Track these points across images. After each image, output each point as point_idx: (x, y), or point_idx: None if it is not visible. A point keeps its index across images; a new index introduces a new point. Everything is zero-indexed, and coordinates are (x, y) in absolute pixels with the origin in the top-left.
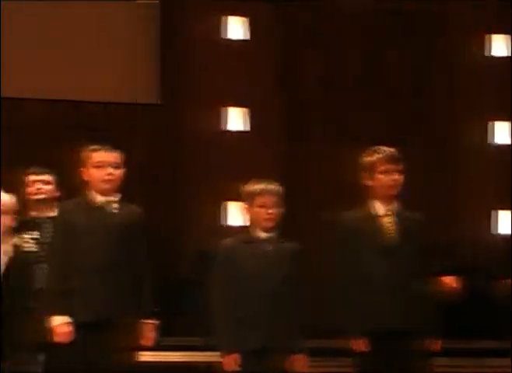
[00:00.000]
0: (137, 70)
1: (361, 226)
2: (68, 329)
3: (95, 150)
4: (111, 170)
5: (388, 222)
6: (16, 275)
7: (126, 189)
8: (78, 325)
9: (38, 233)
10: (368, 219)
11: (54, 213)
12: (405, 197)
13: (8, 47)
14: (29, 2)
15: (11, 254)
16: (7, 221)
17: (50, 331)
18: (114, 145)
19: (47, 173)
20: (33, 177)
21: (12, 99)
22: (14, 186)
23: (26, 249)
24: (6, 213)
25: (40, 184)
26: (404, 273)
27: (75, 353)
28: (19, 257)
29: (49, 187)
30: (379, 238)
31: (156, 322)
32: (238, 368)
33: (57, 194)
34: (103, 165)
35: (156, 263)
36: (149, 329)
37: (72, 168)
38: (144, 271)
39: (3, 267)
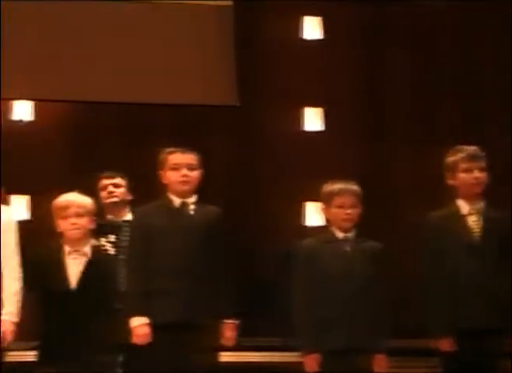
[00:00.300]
0: (214, 72)
1: (446, 225)
2: (147, 330)
3: (171, 152)
4: (187, 172)
5: (473, 221)
6: (97, 276)
7: (205, 190)
8: (157, 327)
9: (114, 237)
10: (453, 218)
11: (128, 216)
12: None
13: (85, 50)
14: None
15: (90, 256)
16: (86, 223)
17: (129, 332)
18: (192, 147)
19: (119, 176)
20: (105, 181)
21: (90, 103)
22: (93, 191)
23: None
24: (85, 215)
25: (112, 187)
26: (489, 271)
27: (155, 354)
28: (99, 258)
29: (121, 190)
30: (464, 237)
31: (237, 322)
32: (319, 369)
33: (130, 197)
34: (179, 167)
35: (237, 263)
36: (229, 329)
37: (151, 171)
38: (224, 272)
39: (84, 269)
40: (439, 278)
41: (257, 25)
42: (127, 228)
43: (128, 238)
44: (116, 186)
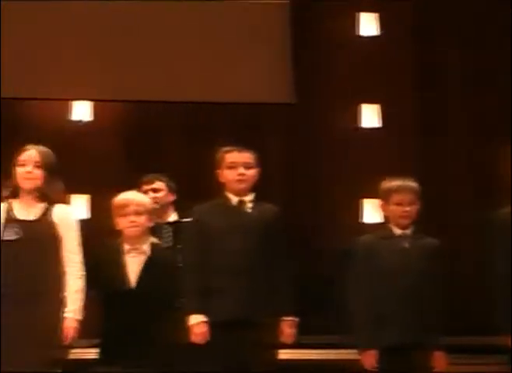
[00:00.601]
0: (271, 70)
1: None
2: (205, 328)
3: (228, 151)
4: (244, 170)
5: None
6: (156, 274)
7: (262, 188)
8: (216, 325)
9: (157, 239)
10: None
11: (172, 217)
12: None
13: (142, 49)
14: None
15: (149, 254)
16: (145, 221)
17: (188, 330)
18: (249, 146)
19: (158, 180)
20: (144, 187)
21: (148, 102)
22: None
23: None
24: (144, 213)
25: (152, 193)
26: None
27: (213, 352)
28: (159, 256)
29: (160, 194)
30: None
31: (295, 319)
32: (376, 365)
33: (172, 198)
34: (235, 166)
35: (294, 261)
36: (288, 326)
37: (209, 169)
38: (282, 269)
39: (143, 267)
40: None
41: (314, 22)
42: (168, 230)
43: (168, 240)
44: (155, 190)
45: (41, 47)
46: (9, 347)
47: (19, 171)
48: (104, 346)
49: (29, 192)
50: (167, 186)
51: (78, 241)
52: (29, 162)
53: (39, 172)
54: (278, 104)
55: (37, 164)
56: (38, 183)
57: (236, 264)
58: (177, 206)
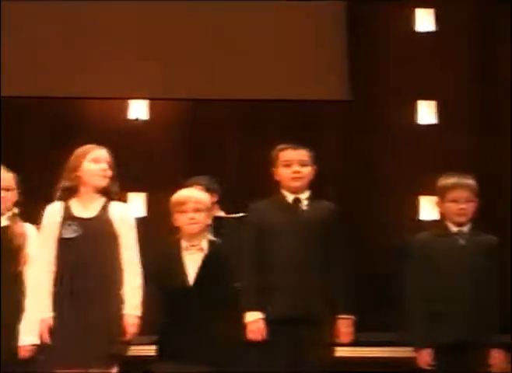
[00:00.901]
0: (327, 66)
1: None
2: (262, 325)
3: (283, 149)
4: (299, 168)
5: None
6: (214, 271)
7: (319, 186)
8: (273, 322)
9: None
10: None
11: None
12: None
13: (201, 48)
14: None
15: (207, 251)
16: (204, 218)
17: (245, 328)
18: (306, 143)
19: (195, 184)
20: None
21: (205, 101)
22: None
23: None
24: (203, 210)
25: None
26: None
27: (270, 350)
28: (217, 253)
29: None
30: None
31: (353, 317)
32: (432, 363)
33: (213, 200)
34: (291, 164)
35: (351, 258)
36: (345, 324)
37: (265, 168)
38: (339, 267)
39: (201, 264)
40: None
41: (370, 18)
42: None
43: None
44: None
45: (99, 46)
46: (68, 344)
47: (93, 168)
48: (162, 343)
49: (96, 190)
50: (206, 189)
51: (136, 238)
52: (102, 160)
53: (110, 172)
54: (334, 101)
55: (109, 163)
56: (108, 181)
57: (292, 262)
58: (229, 204)
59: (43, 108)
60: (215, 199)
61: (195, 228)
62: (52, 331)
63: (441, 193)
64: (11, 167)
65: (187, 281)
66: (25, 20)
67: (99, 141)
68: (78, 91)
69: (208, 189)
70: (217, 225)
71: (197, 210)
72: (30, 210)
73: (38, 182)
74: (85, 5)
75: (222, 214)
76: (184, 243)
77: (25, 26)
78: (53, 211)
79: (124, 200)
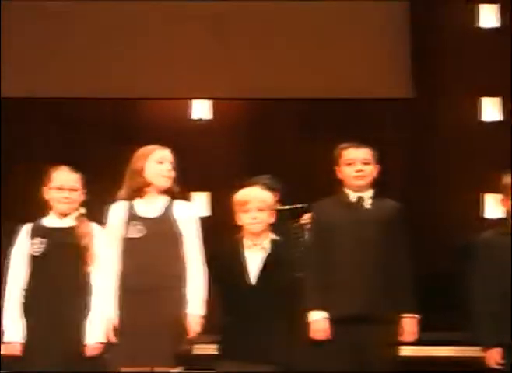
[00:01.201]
0: (390, 65)
1: None
2: (326, 325)
3: (345, 147)
4: (362, 166)
5: None
6: (277, 271)
7: (382, 184)
8: (336, 321)
9: None
10: None
11: None
12: None
13: (261, 49)
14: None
15: (269, 250)
16: (267, 217)
17: (308, 327)
18: (368, 141)
19: (255, 184)
20: None
21: (266, 100)
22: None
23: None
24: (266, 209)
25: None
26: None
27: (333, 349)
28: (279, 253)
29: None
30: None
31: (417, 316)
32: (501, 363)
33: (275, 198)
34: (353, 162)
35: (415, 257)
36: (409, 323)
37: (327, 167)
38: (403, 266)
39: (263, 263)
40: None
41: (432, 16)
42: None
43: None
44: None
45: (162, 47)
46: (134, 343)
47: (157, 169)
48: (224, 342)
49: (159, 190)
50: (268, 188)
51: (199, 237)
52: (166, 161)
53: (174, 172)
54: (397, 99)
55: (172, 163)
56: (171, 181)
57: (356, 260)
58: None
59: (106, 109)
60: (276, 198)
61: (258, 227)
62: (118, 330)
63: (506, 191)
64: (77, 168)
65: (250, 280)
66: (88, 22)
67: (163, 142)
68: (141, 92)
69: (269, 189)
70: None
71: (259, 210)
72: (97, 211)
73: (102, 182)
74: (148, 5)
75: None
76: (246, 242)
77: (86, 28)
78: (118, 211)
79: (187, 199)
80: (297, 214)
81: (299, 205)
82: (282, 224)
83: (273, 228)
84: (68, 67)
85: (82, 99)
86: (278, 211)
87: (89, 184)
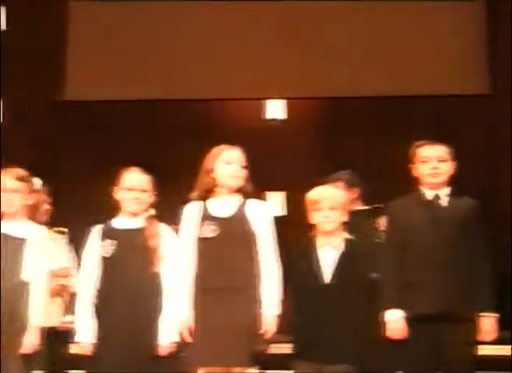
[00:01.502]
0: (466, 62)
1: None
2: (403, 324)
3: (420, 145)
4: (437, 164)
5: None
6: (350, 269)
7: (460, 182)
8: (413, 320)
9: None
10: None
11: None
12: None
13: (333, 47)
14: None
15: (343, 248)
16: (339, 215)
17: (384, 326)
18: (445, 139)
19: (336, 180)
20: None
21: (340, 99)
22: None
23: None
24: (338, 208)
25: None
26: None
27: (410, 348)
28: (352, 251)
29: None
30: None
31: (496, 315)
32: None
33: (354, 195)
34: (429, 160)
35: (494, 255)
36: (488, 322)
37: (402, 165)
38: (481, 264)
39: (337, 262)
40: None
41: (508, 15)
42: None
43: None
44: None
45: (236, 48)
46: (209, 342)
47: (225, 170)
48: (298, 341)
49: (231, 190)
50: (347, 184)
51: (273, 236)
52: (234, 161)
53: (244, 172)
54: (474, 96)
55: (242, 164)
56: (242, 181)
57: (432, 259)
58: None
59: (181, 110)
60: (356, 194)
61: (330, 225)
62: (193, 330)
63: None
64: (151, 169)
65: (323, 279)
66: (161, 23)
67: (237, 142)
68: (215, 92)
69: (349, 185)
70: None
71: (332, 208)
72: (171, 211)
73: (178, 183)
74: (223, 6)
75: (368, 207)
76: (319, 241)
77: (159, 29)
78: (191, 211)
79: (262, 199)
80: (374, 214)
81: (377, 205)
82: (359, 223)
83: (349, 227)
84: (140, 69)
85: (155, 101)
86: (356, 211)
87: (163, 185)
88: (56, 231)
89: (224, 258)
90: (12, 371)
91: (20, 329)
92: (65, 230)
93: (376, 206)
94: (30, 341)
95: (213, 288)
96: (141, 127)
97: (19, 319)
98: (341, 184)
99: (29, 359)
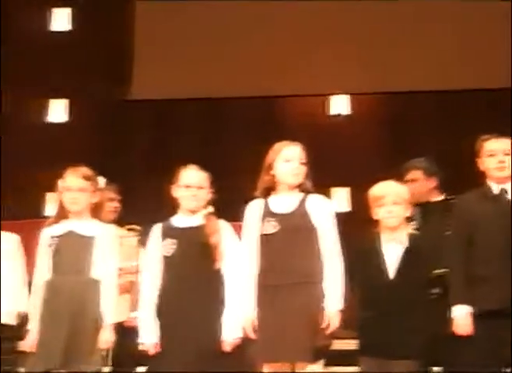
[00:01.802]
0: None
1: None
2: (470, 320)
3: (486, 139)
4: (503, 157)
5: None
6: (415, 264)
7: None
8: (480, 315)
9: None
10: None
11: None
12: None
13: (378, 44)
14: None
15: (407, 244)
16: (403, 211)
17: (451, 322)
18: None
19: (414, 169)
20: (404, 178)
21: (403, 94)
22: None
23: None
24: (402, 203)
25: (410, 184)
26: None
27: (476, 343)
28: (417, 246)
29: (416, 185)
30: None
31: None
32: None
33: (432, 184)
34: (495, 154)
35: None
36: None
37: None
38: None
39: (402, 257)
40: None
41: None
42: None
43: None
44: (412, 180)
45: (300, 45)
46: (273, 338)
47: (285, 167)
48: (362, 337)
49: (291, 186)
50: (425, 173)
51: (336, 231)
52: (294, 158)
53: (303, 169)
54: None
55: (302, 161)
56: (301, 178)
57: (500, 254)
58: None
59: (245, 107)
60: (434, 183)
61: (394, 221)
62: (256, 326)
63: None
64: (212, 166)
65: (387, 275)
66: (226, 21)
67: (301, 138)
68: (279, 89)
69: (428, 173)
70: (423, 210)
71: (395, 203)
72: (235, 209)
73: (240, 180)
74: (287, 5)
75: (441, 198)
76: (383, 236)
77: (224, 28)
78: (254, 208)
79: (327, 195)
80: (447, 206)
81: (449, 197)
82: (431, 216)
83: (423, 219)
84: (205, 68)
85: (219, 99)
86: (432, 203)
87: (226, 181)
88: (128, 229)
89: (285, 253)
90: (91, 368)
91: (93, 325)
92: (138, 228)
93: (451, 197)
94: (106, 338)
95: (275, 284)
96: (203, 124)
97: (91, 317)
98: (418, 173)
99: (103, 355)
